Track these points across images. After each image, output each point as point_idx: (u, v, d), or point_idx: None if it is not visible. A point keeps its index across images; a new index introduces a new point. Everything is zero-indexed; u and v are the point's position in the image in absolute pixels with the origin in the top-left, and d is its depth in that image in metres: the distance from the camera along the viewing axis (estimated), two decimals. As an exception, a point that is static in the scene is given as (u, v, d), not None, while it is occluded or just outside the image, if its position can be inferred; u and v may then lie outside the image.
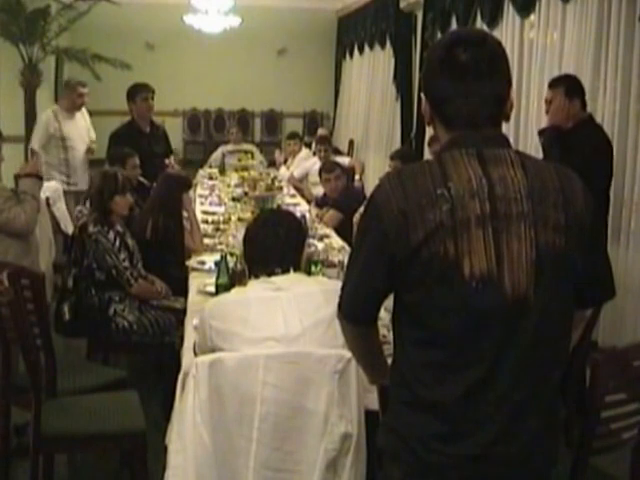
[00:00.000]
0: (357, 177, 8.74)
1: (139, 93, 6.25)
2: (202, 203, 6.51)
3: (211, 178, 8.03)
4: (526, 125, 5.80)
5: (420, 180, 1.61)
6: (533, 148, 5.18)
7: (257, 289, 2.54)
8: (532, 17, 5.81)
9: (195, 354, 2.61)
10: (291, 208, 5.04)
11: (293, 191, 7.52)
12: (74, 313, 4.02)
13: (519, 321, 1.60)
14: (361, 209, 3.79)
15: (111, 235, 4.06)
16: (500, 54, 1.68)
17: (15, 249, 3.96)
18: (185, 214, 4.80)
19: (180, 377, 2.48)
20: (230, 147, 9.11)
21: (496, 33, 5.96)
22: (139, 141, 5.95)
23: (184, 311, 3.66)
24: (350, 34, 11.78)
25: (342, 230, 5.40)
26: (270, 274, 2.57)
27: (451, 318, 1.59)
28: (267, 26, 12.35)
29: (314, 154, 8.42)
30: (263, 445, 2.30)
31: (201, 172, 8.52)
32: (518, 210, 1.59)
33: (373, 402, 2.32)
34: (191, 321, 3.16)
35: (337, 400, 2.32)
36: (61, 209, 5.94)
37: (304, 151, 8.82)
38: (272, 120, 13.52)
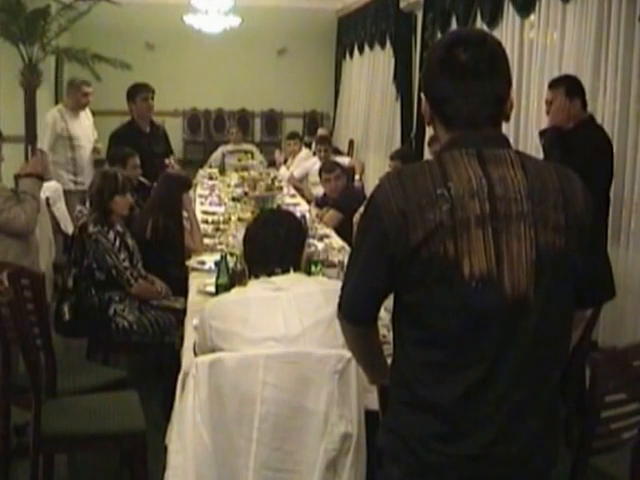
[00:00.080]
0: (357, 177, 8.74)
1: (139, 93, 6.26)
2: (202, 203, 6.51)
3: (211, 178, 8.03)
4: (526, 125, 5.80)
5: (420, 180, 1.62)
6: (533, 148, 5.18)
7: (257, 289, 2.54)
8: (532, 17, 5.81)
9: (195, 354, 2.61)
10: (291, 208, 5.04)
11: (293, 191, 7.52)
12: (74, 313, 4.02)
13: (519, 321, 1.60)
14: (361, 209, 3.79)
15: (111, 235, 4.06)
16: (500, 54, 1.68)
17: (15, 249, 3.96)
18: (185, 214, 4.80)
19: (180, 377, 2.48)
20: (230, 147, 9.11)
21: (496, 33, 5.96)
22: (139, 141, 5.96)
23: (184, 311, 3.66)
24: (350, 34, 11.78)
25: (342, 230, 5.40)
26: (270, 274, 2.57)
27: (451, 318, 1.59)
28: (267, 26, 12.35)
29: (314, 154, 8.42)
30: (263, 445, 2.30)
31: (201, 172, 8.52)
32: (518, 210, 1.59)
33: (373, 402, 2.31)
34: (191, 321, 3.16)
35: (337, 400, 2.32)
36: (61, 209, 5.95)
37: (304, 151, 8.82)
38: (272, 120, 13.53)
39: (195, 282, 3.97)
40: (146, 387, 3.94)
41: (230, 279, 3.59)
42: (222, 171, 8.26)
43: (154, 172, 5.52)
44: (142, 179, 5.43)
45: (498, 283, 1.57)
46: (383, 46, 9.83)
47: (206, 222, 5.48)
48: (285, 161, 9.13)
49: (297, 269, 2.65)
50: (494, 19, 6.28)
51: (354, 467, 2.33)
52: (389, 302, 1.72)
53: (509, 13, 6.14)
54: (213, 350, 2.43)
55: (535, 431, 1.65)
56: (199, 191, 7.07)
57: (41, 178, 4.19)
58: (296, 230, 2.76)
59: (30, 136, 9.06)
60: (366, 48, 10.77)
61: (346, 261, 1.94)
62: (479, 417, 1.61)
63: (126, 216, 4.31)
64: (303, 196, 7.42)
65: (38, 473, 3.01)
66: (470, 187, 1.59)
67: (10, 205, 3.91)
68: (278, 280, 2.54)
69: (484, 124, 1.65)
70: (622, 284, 4.41)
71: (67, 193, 6.28)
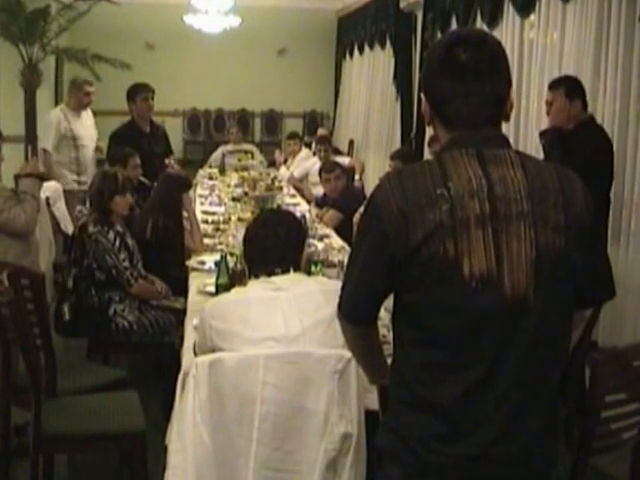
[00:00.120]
0: (357, 177, 8.74)
1: (139, 93, 6.25)
2: (202, 203, 6.51)
3: (211, 178, 8.03)
4: (526, 125, 5.80)
5: (420, 180, 1.62)
6: (533, 148, 5.18)
7: (257, 289, 2.54)
8: (532, 17, 5.81)
9: (195, 354, 2.61)
10: (291, 208, 5.04)
11: (293, 191, 7.52)
12: (74, 313, 4.02)
13: (519, 321, 1.60)
14: (361, 209, 3.79)
15: (111, 235, 4.05)
16: (500, 54, 1.68)
17: (15, 249, 3.96)
18: (185, 214, 4.80)
19: (180, 377, 2.48)
20: (230, 147, 9.12)
21: (496, 33, 5.96)
22: (139, 141, 5.95)
23: (184, 311, 3.66)
24: (350, 34, 11.78)
25: (342, 230, 5.40)
26: (270, 274, 2.57)
27: (451, 318, 1.59)
28: (267, 26, 12.35)
29: (314, 154, 8.43)
30: (263, 445, 2.30)
31: (201, 172, 8.53)
32: (518, 210, 1.59)
33: (373, 402, 2.31)
34: (191, 321, 3.16)
35: (337, 400, 2.32)
36: (61, 209, 5.94)
37: (304, 151, 8.82)
38: (272, 120, 13.53)
39: (195, 282, 3.97)
40: (146, 387, 3.94)
41: (230, 279, 3.59)
42: (222, 171, 8.26)
43: (154, 172, 5.52)
44: (142, 179, 5.43)
45: (498, 283, 1.57)
46: (383, 46, 9.83)
47: (206, 222, 5.48)
48: (285, 161, 9.13)
49: (297, 269, 2.65)
50: (494, 19, 6.28)
51: (354, 467, 2.33)
52: (389, 302, 1.72)
53: (509, 13, 6.14)
54: (213, 350, 2.43)
55: (535, 431, 1.65)
56: (199, 191, 7.07)
57: (41, 178, 4.20)
58: (296, 230, 2.76)
59: (30, 136, 9.06)
60: (366, 48, 10.77)
61: (346, 261, 1.93)
62: (479, 417, 1.61)
63: (126, 216, 4.31)
64: (303, 196, 7.42)
65: (38, 473, 3.01)
66: (470, 187, 1.59)
67: (10, 205, 3.91)
68: (278, 280, 2.54)
69: (484, 124, 1.65)
70: (622, 284, 4.41)
71: (68, 193, 6.24)
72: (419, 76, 7.58)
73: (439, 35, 7.24)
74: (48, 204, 5.50)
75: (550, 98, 4.23)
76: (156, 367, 4.44)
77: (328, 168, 6.30)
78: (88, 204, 4.57)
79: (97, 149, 6.82)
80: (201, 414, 2.28)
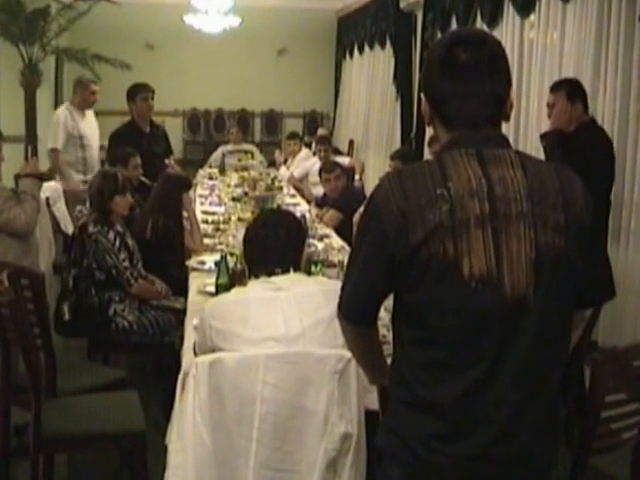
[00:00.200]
0: (357, 177, 8.74)
1: (139, 93, 6.24)
2: (202, 203, 6.50)
3: (211, 178, 8.03)
4: (526, 125, 5.80)
5: (420, 180, 1.62)
6: (533, 148, 5.18)
7: (257, 289, 2.54)
8: (532, 17, 5.81)
9: (195, 354, 2.61)
10: (291, 208, 5.04)
11: (293, 191, 7.52)
12: (74, 313, 4.02)
13: (519, 321, 1.60)
14: (361, 209, 3.79)
15: (111, 235, 4.05)
16: (500, 54, 1.68)
17: (15, 249, 3.96)
18: (185, 214, 4.80)
19: (180, 377, 2.48)
20: (230, 147, 9.12)
21: (496, 33, 5.96)
22: (139, 141, 5.94)
23: (184, 311, 3.66)
24: (350, 34, 11.78)
25: (342, 230, 5.40)
26: (270, 274, 2.57)
27: (450, 318, 1.59)
28: (267, 26, 12.35)
29: (314, 154, 8.43)
30: (263, 445, 2.30)
31: (201, 172, 8.53)
32: (517, 210, 1.59)
33: (373, 402, 2.31)
34: (191, 321, 3.16)
35: (337, 400, 2.32)
36: (61, 209, 5.93)
37: (304, 151, 8.82)
38: (272, 120, 13.53)
39: (195, 282, 3.97)
40: (146, 387, 3.94)
41: (230, 279, 3.59)
42: (222, 171, 8.25)
43: (154, 172, 5.51)
44: (143, 179, 5.43)
45: (498, 283, 1.57)
46: (383, 46, 9.83)
47: (206, 222, 5.48)
48: (285, 161, 9.13)
49: (297, 269, 2.65)
50: (494, 19, 6.28)
51: (354, 467, 2.33)
52: (389, 302, 1.72)
53: (509, 13, 6.14)
54: (213, 350, 2.43)
55: (535, 431, 1.65)
56: (199, 191, 7.07)
57: (41, 178, 4.20)
58: (296, 230, 2.76)
59: (30, 136, 9.08)
60: (366, 48, 10.77)
61: (346, 261, 1.94)
62: (479, 417, 1.61)
63: (126, 216, 4.31)
64: (303, 196, 7.42)
65: (38, 473, 3.00)
66: (470, 187, 1.59)
67: (10, 205, 3.91)
68: (278, 280, 2.54)
69: (484, 124, 1.65)
70: (622, 284, 4.41)
71: (72, 193, 6.16)
72: (419, 76, 7.58)
73: (439, 35, 7.24)
74: (48, 204, 5.49)
75: (551, 100, 4.22)
76: (156, 367, 4.44)
77: (328, 168, 6.30)
78: (88, 204, 4.57)
79: (102, 148, 6.77)
80: (201, 414, 2.28)
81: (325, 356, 2.33)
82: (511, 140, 1.79)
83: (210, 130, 13.37)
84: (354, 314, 1.75)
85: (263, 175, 6.65)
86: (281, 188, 6.32)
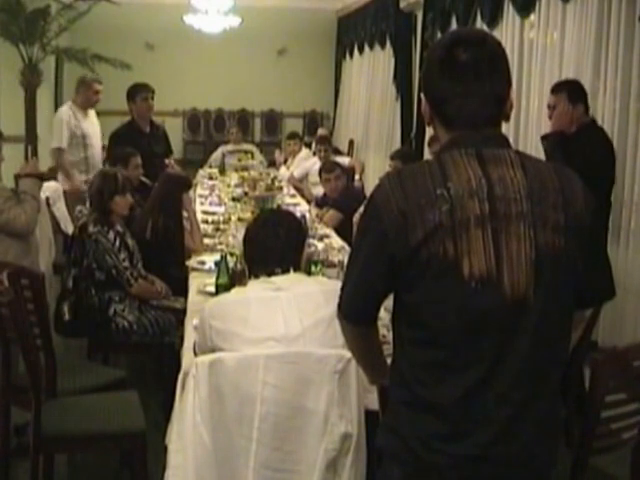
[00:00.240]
0: (357, 177, 8.74)
1: (139, 93, 6.24)
2: (202, 203, 6.50)
3: (211, 178, 8.03)
4: (526, 125, 5.80)
5: (420, 180, 1.62)
6: (533, 148, 5.19)
7: (257, 289, 2.54)
8: (532, 17, 5.81)
9: (195, 354, 2.61)
10: (291, 208, 5.04)
11: (293, 191, 7.52)
12: (74, 313, 4.02)
13: (519, 321, 1.60)
14: (361, 209, 3.79)
15: (111, 235, 4.05)
16: (500, 54, 1.68)
17: (15, 249, 3.96)
18: (185, 214, 4.80)
19: (180, 377, 2.48)
20: (230, 147, 9.12)
21: (496, 33, 5.96)
22: (139, 141, 5.94)
23: (184, 311, 3.66)
24: (350, 34, 11.78)
25: (342, 230, 5.40)
26: (270, 274, 2.57)
27: (450, 318, 1.59)
28: (267, 26, 12.35)
29: (314, 154, 8.43)
30: (263, 445, 2.30)
31: (201, 172, 8.53)
32: (517, 210, 1.59)
33: (373, 402, 2.31)
34: (191, 321, 3.16)
35: (337, 400, 2.32)
36: (61, 209, 5.93)
37: (304, 151, 8.82)
38: (272, 120, 13.53)
39: (195, 282, 3.97)
40: (146, 387, 3.95)
41: (230, 279, 3.59)
42: (222, 171, 8.25)
43: (154, 172, 5.51)
44: (144, 179, 5.43)
45: (498, 283, 1.57)
46: (383, 46, 9.83)
47: (206, 222, 5.48)
48: (285, 161, 9.13)
49: (297, 269, 2.65)
50: (494, 19, 6.28)
51: (354, 467, 2.34)
52: (389, 302, 1.72)
53: (509, 13, 6.14)
54: (213, 350, 2.43)
55: (535, 431, 1.65)
56: (199, 191, 7.06)
57: (41, 178, 4.20)
58: (296, 230, 2.76)
59: (30, 136, 9.08)
60: (366, 48, 10.77)
61: (346, 261, 1.94)
62: (479, 417, 1.61)
63: (126, 216, 4.31)
64: (303, 196, 7.42)
65: (38, 473, 3.01)
66: (469, 187, 1.59)
67: (10, 205, 3.91)
68: (278, 280, 2.54)
69: (484, 124, 1.65)
70: (622, 284, 4.41)
71: (73, 194, 6.13)
72: (419, 76, 7.58)
73: (439, 35, 7.24)
74: (48, 204, 5.49)
75: (552, 102, 4.21)
76: (156, 367, 4.44)
77: (328, 168, 6.31)
78: (88, 204, 4.57)
79: (104, 149, 6.75)
80: (201, 414, 2.28)
81: (325, 356, 2.33)
82: (511, 140, 1.79)
83: (210, 130, 13.37)
84: (354, 314, 1.75)
85: (263, 175, 6.66)
86: (281, 188, 6.32)
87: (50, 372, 3.27)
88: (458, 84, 1.64)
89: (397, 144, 8.85)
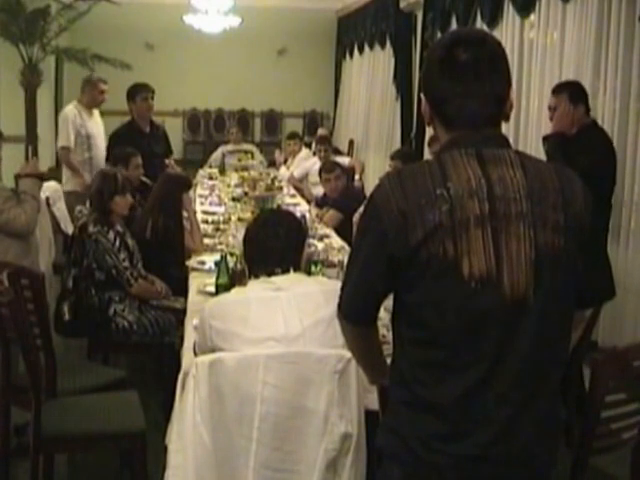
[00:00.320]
0: (357, 177, 8.74)
1: (139, 93, 6.24)
2: (202, 203, 6.50)
3: (211, 178, 8.03)
4: (526, 125, 5.80)
5: (420, 180, 1.62)
6: (533, 148, 5.19)
7: (257, 289, 2.54)
8: (532, 17, 5.81)
9: (195, 354, 2.61)
10: (291, 208, 5.04)
11: (293, 191, 7.53)
12: (74, 313, 4.02)
13: (518, 321, 1.60)
14: (361, 209, 3.78)
15: (111, 235, 4.05)
16: (500, 54, 1.68)
17: (15, 249, 3.96)
18: (185, 214, 4.80)
19: (180, 377, 2.48)
20: (230, 147, 9.12)
21: (496, 33, 5.96)
22: (139, 141, 5.93)
23: (184, 311, 3.66)
24: (350, 34, 11.79)
25: (342, 230, 5.40)
26: (270, 274, 2.57)
27: (450, 318, 1.59)
28: (267, 26, 12.35)
29: (314, 154, 8.43)
30: (263, 445, 2.30)
31: (201, 172, 8.53)
32: (517, 210, 1.59)
33: (373, 402, 2.31)
34: (191, 321, 3.16)
35: (337, 400, 2.32)
36: (61, 209, 5.92)
37: (304, 151, 8.82)
38: (272, 120, 13.53)
39: (195, 282, 3.97)
40: (146, 387, 3.95)
41: (230, 279, 3.59)
42: (222, 171, 8.26)
43: (154, 172, 5.51)
44: (144, 179, 5.43)
45: (497, 283, 1.57)
46: (383, 46, 9.83)
47: (206, 222, 5.48)
48: (285, 161, 9.13)
49: (297, 269, 2.65)
50: (494, 19, 6.28)
51: (354, 467, 2.34)
52: (389, 302, 1.72)
53: (509, 13, 6.15)
54: (213, 350, 2.43)
55: (535, 431, 1.65)
56: (199, 191, 7.06)
57: (41, 178, 4.20)
58: (296, 230, 2.76)
59: (30, 136, 9.09)
60: (366, 48, 10.77)
61: (346, 261, 1.94)
62: (479, 417, 1.61)
63: (126, 216, 4.31)
64: (303, 196, 7.42)
65: (38, 473, 3.00)
66: (469, 187, 1.59)
67: (10, 205, 3.91)
68: (278, 280, 2.54)
69: (484, 124, 1.65)
70: (622, 284, 4.41)
71: (76, 194, 6.10)
72: (419, 76, 7.59)
73: (439, 35, 7.25)
74: (48, 204, 5.49)
75: (553, 103, 4.19)
76: (156, 367, 4.44)
77: (328, 168, 6.30)
78: (88, 204, 4.58)
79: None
80: (201, 414, 2.28)
81: (325, 356, 2.33)
82: (511, 140, 1.79)
83: (210, 130, 13.37)
84: (354, 314, 1.75)
85: (263, 175, 6.66)
86: (281, 188, 6.32)
87: (50, 372, 3.27)
88: (458, 84, 1.64)
89: (397, 144, 8.85)
